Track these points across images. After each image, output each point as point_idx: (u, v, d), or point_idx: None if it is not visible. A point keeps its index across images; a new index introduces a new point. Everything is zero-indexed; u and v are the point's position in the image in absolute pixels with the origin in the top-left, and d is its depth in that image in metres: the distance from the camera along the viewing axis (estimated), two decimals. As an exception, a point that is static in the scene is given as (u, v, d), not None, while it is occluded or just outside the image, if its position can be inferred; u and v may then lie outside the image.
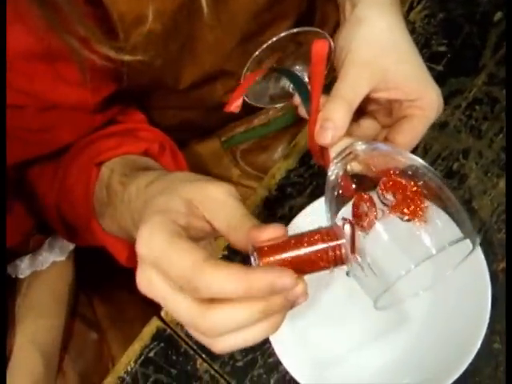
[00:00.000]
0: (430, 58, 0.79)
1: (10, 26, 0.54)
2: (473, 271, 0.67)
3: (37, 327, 0.87)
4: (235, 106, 0.60)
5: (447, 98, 0.77)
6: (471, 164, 0.76)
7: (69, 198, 0.65)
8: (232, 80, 0.77)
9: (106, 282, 0.94)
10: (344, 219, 0.48)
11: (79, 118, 0.66)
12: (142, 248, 0.43)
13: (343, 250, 0.43)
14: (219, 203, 0.45)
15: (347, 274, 0.49)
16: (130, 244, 0.62)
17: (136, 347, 0.74)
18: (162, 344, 0.73)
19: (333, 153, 0.54)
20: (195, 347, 0.73)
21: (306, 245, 0.43)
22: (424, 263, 0.46)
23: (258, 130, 0.90)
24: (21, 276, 0.86)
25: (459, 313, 0.68)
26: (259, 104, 0.62)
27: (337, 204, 0.50)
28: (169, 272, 0.41)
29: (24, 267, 0.85)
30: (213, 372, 0.72)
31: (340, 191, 0.51)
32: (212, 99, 0.79)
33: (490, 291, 0.66)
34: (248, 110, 0.89)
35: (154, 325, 0.74)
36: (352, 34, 0.58)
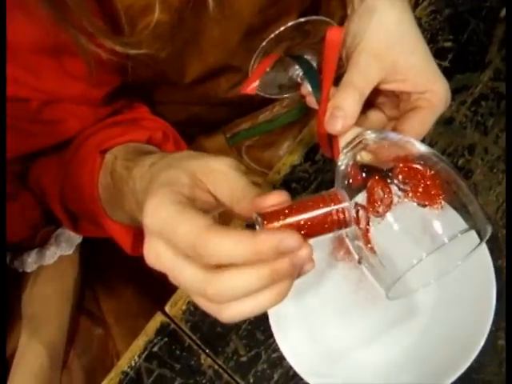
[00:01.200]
0: (435, 53, 0.78)
1: (15, 19, 0.54)
2: (478, 267, 0.67)
3: (42, 322, 0.87)
4: (252, 87, 0.59)
5: (453, 94, 0.75)
6: (477, 160, 0.75)
7: (73, 186, 0.65)
8: (237, 75, 0.77)
9: (110, 277, 0.94)
10: (357, 205, 0.47)
11: (84, 111, 0.66)
12: (148, 219, 0.43)
13: (346, 213, 0.43)
14: (222, 176, 0.45)
15: (359, 261, 0.49)
16: (136, 232, 0.62)
17: (140, 342, 0.74)
18: (166, 339, 0.73)
19: (342, 142, 0.54)
20: (199, 342, 0.73)
21: (309, 209, 0.43)
22: (434, 253, 0.46)
23: (263, 126, 0.90)
24: (28, 270, 0.86)
25: (464, 309, 0.67)
26: (267, 94, 0.62)
27: (347, 194, 0.50)
28: (175, 240, 0.41)
29: (31, 261, 0.86)
30: (216, 367, 0.72)
31: (350, 181, 0.50)
32: (217, 94, 0.79)
33: (494, 287, 0.66)
34: (253, 106, 0.89)
35: (158, 319, 0.74)
36: (363, 24, 0.58)
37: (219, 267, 0.41)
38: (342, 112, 0.54)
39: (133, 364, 0.73)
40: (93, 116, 0.67)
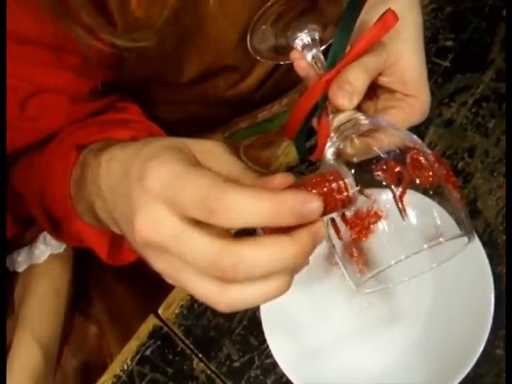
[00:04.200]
0: (436, 52, 0.77)
1: (7, 9, 0.53)
2: (476, 273, 0.66)
3: (36, 321, 0.87)
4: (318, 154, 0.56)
5: (453, 95, 0.76)
6: (477, 163, 0.74)
7: (49, 184, 0.63)
8: (235, 75, 0.76)
9: (104, 275, 0.93)
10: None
11: (68, 105, 0.64)
12: (149, 181, 0.39)
13: (350, 190, 0.40)
14: (218, 156, 0.43)
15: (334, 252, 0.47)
16: (112, 238, 0.59)
17: (132, 345, 0.73)
18: (159, 342, 0.73)
19: (335, 123, 0.52)
20: (192, 346, 0.72)
21: (311, 188, 0.40)
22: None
23: (262, 125, 0.88)
24: (18, 270, 0.85)
25: (461, 317, 0.66)
26: (259, 54, 0.58)
27: None
28: (181, 201, 0.37)
29: (21, 261, 0.85)
30: (209, 372, 0.71)
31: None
32: (215, 94, 0.78)
33: (493, 295, 0.64)
34: (252, 106, 0.88)
35: (150, 323, 0.73)
36: (376, 10, 0.56)
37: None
38: (351, 88, 0.51)
39: (125, 367, 0.72)
40: (77, 111, 0.65)
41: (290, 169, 0.76)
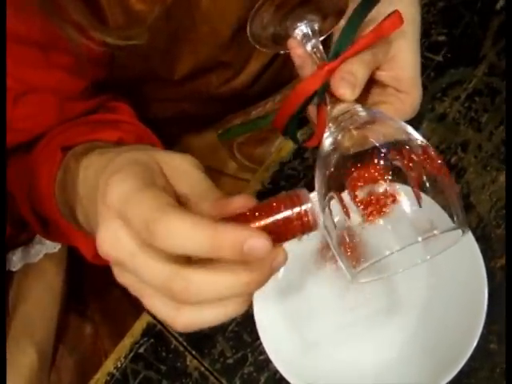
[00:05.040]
0: (428, 47, 0.77)
1: None
2: (469, 268, 0.65)
3: (31, 320, 0.87)
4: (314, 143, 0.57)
5: (446, 89, 0.75)
6: (470, 157, 0.73)
7: (36, 186, 0.63)
8: (228, 71, 0.76)
9: (98, 275, 0.93)
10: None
11: (62, 104, 0.64)
12: (109, 196, 0.38)
13: (310, 216, 0.38)
14: (184, 173, 0.42)
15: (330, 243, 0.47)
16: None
17: (126, 343, 0.73)
18: (152, 340, 0.72)
19: (334, 113, 0.52)
20: (185, 343, 0.72)
21: (270, 214, 0.38)
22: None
23: (255, 122, 0.88)
24: (13, 269, 0.85)
25: (455, 311, 0.66)
26: (257, 42, 0.57)
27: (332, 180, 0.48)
28: (132, 217, 0.37)
29: (16, 260, 0.85)
30: (202, 369, 0.71)
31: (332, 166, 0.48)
32: (208, 91, 0.78)
33: (486, 289, 0.64)
34: (246, 103, 0.87)
35: (144, 320, 0.73)
36: (382, 6, 0.56)
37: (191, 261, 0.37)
38: (354, 79, 0.52)
39: (119, 365, 0.72)
40: (67, 111, 0.65)
41: (282, 165, 0.76)
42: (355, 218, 0.44)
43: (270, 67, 0.81)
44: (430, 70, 0.76)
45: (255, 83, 0.81)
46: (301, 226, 0.39)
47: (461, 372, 0.62)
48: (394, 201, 0.44)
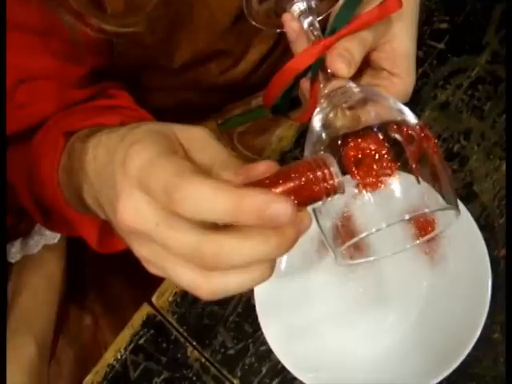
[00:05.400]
0: (430, 35, 0.76)
1: None
2: (472, 257, 0.65)
3: (30, 312, 0.87)
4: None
5: (448, 77, 0.74)
6: (473, 146, 0.73)
7: (38, 173, 0.62)
8: (228, 60, 0.75)
9: (98, 265, 0.93)
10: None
11: (61, 91, 0.64)
12: (130, 166, 0.38)
13: (335, 178, 0.39)
14: (204, 143, 0.42)
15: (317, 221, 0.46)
16: (102, 226, 0.58)
17: (126, 334, 0.72)
18: (152, 331, 0.72)
19: (327, 90, 0.51)
20: (186, 334, 0.71)
21: (294, 177, 0.38)
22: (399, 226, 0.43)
23: (256, 112, 0.87)
24: (12, 260, 0.85)
25: (458, 301, 0.65)
26: (254, 18, 0.56)
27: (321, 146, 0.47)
28: (152, 184, 0.36)
29: (15, 251, 0.84)
30: (203, 360, 0.70)
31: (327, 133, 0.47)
32: (207, 80, 0.77)
33: (490, 279, 0.63)
34: (245, 92, 0.87)
35: (144, 311, 0.73)
36: None
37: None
38: (350, 56, 0.51)
39: (119, 357, 0.72)
40: (67, 98, 0.64)
41: (283, 154, 0.75)
42: (349, 190, 0.43)
43: (270, 56, 0.80)
44: (432, 58, 0.75)
45: (255, 72, 0.81)
46: (326, 189, 0.39)
47: (464, 362, 0.62)
48: (391, 174, 0.43)
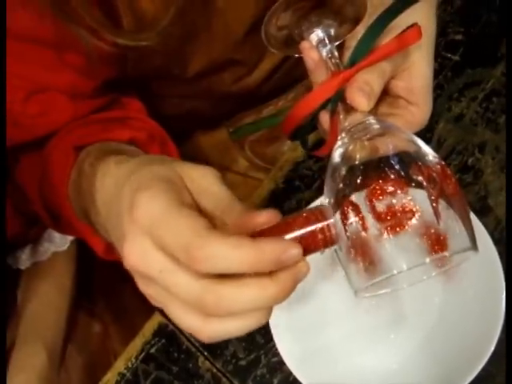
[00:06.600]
0: (445, 47, 0.76)
1: (9, 6, 0.53)
2: (487, 272, 0.64)
3: (40, 319, 0.86)
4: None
5: (463, 90, 0.74)
6: (487, 159, 0.72)
7: (49, 183, 0.63)
8: (241, 69, 0.75)
9: (108, 273, 0.93)
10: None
11: (71, 103, 0.64)
12: (138, 213, 0.40)
13: (332, 231, 0.42)
14: (207, 187, 0.43)
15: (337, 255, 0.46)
16: None
17: (137, 343, 0.72)
18: (164, 340, 0.72)
19: (345, 124, 0.51)
20: (197, 344, 0.71)
21: (295, 229, 0.41)
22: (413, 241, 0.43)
23: (267, 120, 0.87)
24: (21, 267, 0.85)
25: (472, 315, 0.65)
26: (271, 44, 0.56)
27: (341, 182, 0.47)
28: (166, 239, 0.38)
29: (25, 258, 0.84)
30: (215, 370, 0.70)
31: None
32: (220, 89, 0.77)
33: (504, 293, 0.63)
34: (257, 101, 0.87)
35: (155, 320, 0.72)
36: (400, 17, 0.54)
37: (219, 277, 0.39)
38: (370, 89, 0.51)
39: (130, 365, 0.72)
40: (80, 109, 0.65)
41: (297, 164, 0.75)
42: (372, 230, 0.43)
43: (283, 65, 0.80)
44: (446, 70, 0.75)
45: (268, 81, 0.80)
46: (323, 241, 0.42)
47: (478, 376, 0.61)
48: (412, 216, 0.43)
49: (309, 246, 0.41)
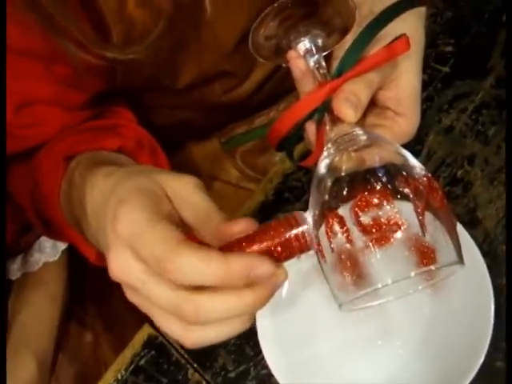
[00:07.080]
0: (435, 58, 0.76)
1: None
2: (476, 284, 0.64)
3: (30, 329, 0.86)
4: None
5: (453, 101, 0.74)
6: (476, 171, 0.72)
7: (40, 193, 0.64)
8: (231, 80, 0.75)
9: (99, 282, 0.92)
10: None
11: (61, 115, 0.64)
12: (119, 225, 0.41)
13: (307, 237, 0.42)
14: (187, 197, 0.44)
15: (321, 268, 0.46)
16: None
17: (127, 354, 0.72)
18: (153, 352, 0.71)
19: (331, 135, 0.51)
20: (187, 356, 0.71)
21: (270, 237, 0.42)
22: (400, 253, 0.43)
23: (259, 130, 0.87)
24: (12, 278, 0.84)
25: (460, 328, 0.65)
26: (259, 54, 0.56)
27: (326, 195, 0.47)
28: (143, 252, 0.40)
29: (16, 268, 0.84)
30: (204, 382, 0.70)
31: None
32: (211, 99, 0.77)
33: (492, 306, 0.63)
34: (249, 111, 0.87)
35: (145, 332, 0.72)
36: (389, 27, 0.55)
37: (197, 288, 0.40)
38: (357, 100, 0.51)
39: (119, 377, 0.71)
40: (70, 120, 0.65)
41: (286, 176, 0.75)
42: (358, 243, 0.43)
43: (274, 75, 0.80)
44: (436, 82, 0.75)
45: (259, 92, 0.80)
46: (299, 247, 0.43)
47: (467, 390, 0.61)
48: (398, 229, 0.43)
49: (285, 252, 0.42)
